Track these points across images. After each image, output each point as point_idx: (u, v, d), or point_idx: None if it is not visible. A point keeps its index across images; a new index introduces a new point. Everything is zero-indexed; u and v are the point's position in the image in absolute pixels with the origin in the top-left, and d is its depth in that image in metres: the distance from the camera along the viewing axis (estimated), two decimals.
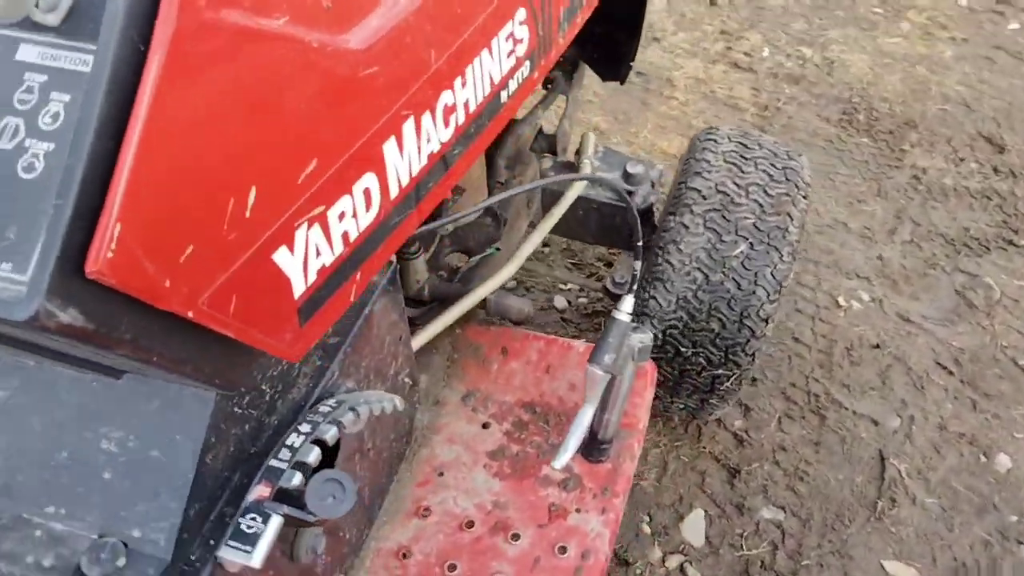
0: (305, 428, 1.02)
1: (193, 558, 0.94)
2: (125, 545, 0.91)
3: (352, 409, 1.07)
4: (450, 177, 1.00)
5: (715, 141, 2.02)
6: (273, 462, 0.98)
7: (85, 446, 0.93)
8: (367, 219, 0.87)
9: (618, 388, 1.40)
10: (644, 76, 3.69)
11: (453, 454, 1.52)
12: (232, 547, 0.92)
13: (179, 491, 0.91)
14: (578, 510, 1.42)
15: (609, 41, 2.10)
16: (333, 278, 0.85)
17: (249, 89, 0.69)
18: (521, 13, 1.04)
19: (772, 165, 1.95)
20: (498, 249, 1.74)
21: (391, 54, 0.86)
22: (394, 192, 0.90)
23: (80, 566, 0.89)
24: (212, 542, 0.95)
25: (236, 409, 0.97)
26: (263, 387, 1.02)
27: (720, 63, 3.74)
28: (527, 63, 1.09)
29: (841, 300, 2.67)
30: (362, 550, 1.39)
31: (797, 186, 1.92)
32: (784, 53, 3.77)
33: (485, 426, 1.56)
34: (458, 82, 0.94)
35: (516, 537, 1.40)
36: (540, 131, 2.15)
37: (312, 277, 0.82)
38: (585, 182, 2.02)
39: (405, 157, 0.89)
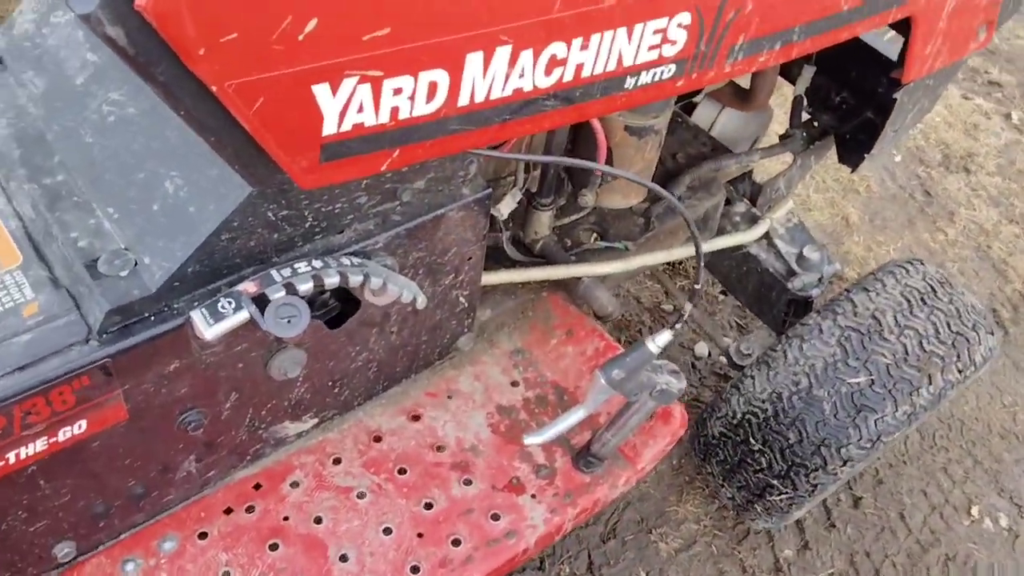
0: (317, 263, 1.13)
1: (175, 305, 1.09)
2: (136, 264, 1.07)
3: (366, 275, 1.16)
4: (533, 122, 1.04)
5: (906, 271, 1.86)
6: (273, 271, 1.10)
7: (155, 178, 1.11)
8: (423, 109, 0.94)
9: (628, 414, 1.39)
10: (929, 198, 3.40)
11: (471, 388, 1.58)
12: (201, 313, 1.06)
13: (188, 246, 1.06)
14: (533, 496, 1.43)
15: (864, 125, 1.99)
16: (368, 140, 0.94)
17: None
18: (684, 17, 1.04)
19: (947, 323, 1.77)
20: (627, 248, 1.74)
21: None
22: (463, 101, 0.96)
23: (98, 259, 1.07)
24: (196, 305, 1.09)
25: (269, 214, 1.09)
26: (305, 213, 1.14)
27: (1020, 224, 3.35)
28: (672, 66, 1.09)
29: (974, 511, 2.37)
30: (347, 414, 1.51)
31: (959, 356, 1.74)
32: None
33: (514, 384, 1.61)
34: (577, 41, 0.98)
35: (468, 483, 1.44)
36: (750, 176, 2.10)
37: (346, 127, 0.91)
38: (758, 237, 1.95)
39: (488, 76, 0.95)
